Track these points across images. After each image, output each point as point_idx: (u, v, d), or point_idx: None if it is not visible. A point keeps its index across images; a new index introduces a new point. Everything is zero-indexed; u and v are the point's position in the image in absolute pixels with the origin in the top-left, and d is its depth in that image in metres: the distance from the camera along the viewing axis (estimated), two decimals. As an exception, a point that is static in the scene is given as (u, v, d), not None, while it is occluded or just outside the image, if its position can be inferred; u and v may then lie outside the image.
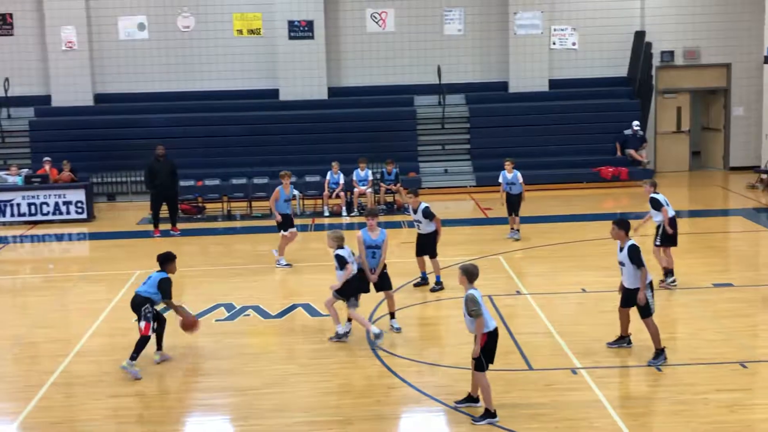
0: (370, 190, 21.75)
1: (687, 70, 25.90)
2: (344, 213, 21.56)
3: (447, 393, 11.06)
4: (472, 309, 10.04)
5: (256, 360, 12.48)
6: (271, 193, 17.27)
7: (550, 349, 12.50)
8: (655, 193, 14.76)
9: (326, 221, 21.34)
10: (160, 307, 12.36)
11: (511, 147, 24.65)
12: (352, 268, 12.68)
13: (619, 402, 10.62)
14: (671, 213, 14.73)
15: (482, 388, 10.32)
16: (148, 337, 12.07)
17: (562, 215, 20.53)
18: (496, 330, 10.33)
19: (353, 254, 12.91)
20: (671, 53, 25.60)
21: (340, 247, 12.70)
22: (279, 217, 16.92)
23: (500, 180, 18.25)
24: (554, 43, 25.90)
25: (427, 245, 15.22)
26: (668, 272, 14.95)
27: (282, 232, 17.07)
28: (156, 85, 26.01)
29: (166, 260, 12.35)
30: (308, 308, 14.53)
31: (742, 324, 13.28)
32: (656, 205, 14.74)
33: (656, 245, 14.94)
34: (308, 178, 22.71)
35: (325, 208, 21.77)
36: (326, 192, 21.78)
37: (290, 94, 25.65)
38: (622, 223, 11.74)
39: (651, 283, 11.82)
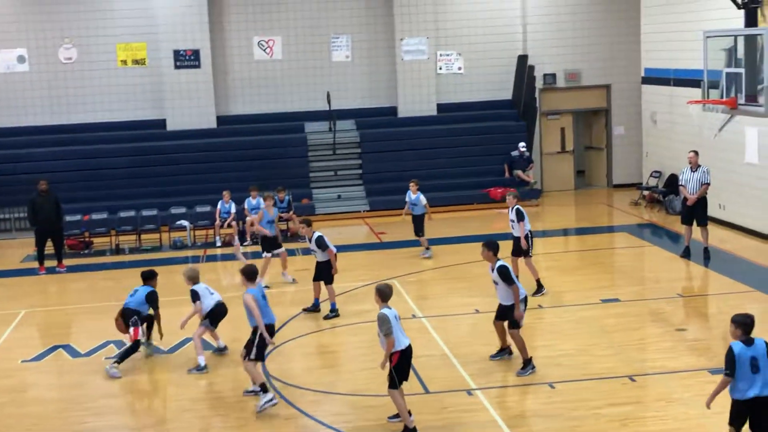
0: (262, 218, 21.54)
1: (569, 92, 26.62)
2: (236, 242, 21.28)
3: (344, 421, 11.03)
4: (383, 328, 10.22)
5: (148, 397, 12.22)
6: (160, 224, 17.15)
7: (446, 371, 12.60)
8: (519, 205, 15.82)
9: (218, 251, 21.07)
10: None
11: (402, 171, 24.87)
12: (202, 307, 13.21)
13: (514, 421, 10.76)
14: (528, 227, 15.72)
15: (397, 405, 10.40)
16: (138, 343, 13.19)
17: (453, 237, 20.77)
18: (409, 348, 10.45)
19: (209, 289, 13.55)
20: (553, 76, 26.28)
21: (195, 283, 13.34)
22: (265, 231, 17.39)
23: (406, 199, 19.17)
24: (441, 68, 26.30)
25: (323, 271, 15.41)
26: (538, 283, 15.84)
27: (265, 253, 17.48)
28: (38, 118, 25.31)
29: (151, 276, 13.70)
30: (201, 342, 14.26)
31: (630, 338, 13.64)
32: (521, 217, 15.60)
33: (513, 256, 15.85)
34: (199, 209, 22.40)
35: (217, 238, 21.49)
36: (218, 222, 21.51)
37: (178, 124, 25.32)
38: (490, 245, 12.22)
39: (525, 298, 12.22)
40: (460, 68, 26.39)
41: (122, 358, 13.09)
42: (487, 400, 11.34)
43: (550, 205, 24.88)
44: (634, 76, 25.74)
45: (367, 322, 14.98)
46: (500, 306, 12.39)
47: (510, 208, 15.79)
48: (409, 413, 10.55)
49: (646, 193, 24.17)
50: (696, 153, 18.07)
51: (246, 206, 21.64)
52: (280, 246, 17.72)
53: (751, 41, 15.98)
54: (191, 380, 12.75)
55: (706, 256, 17.81)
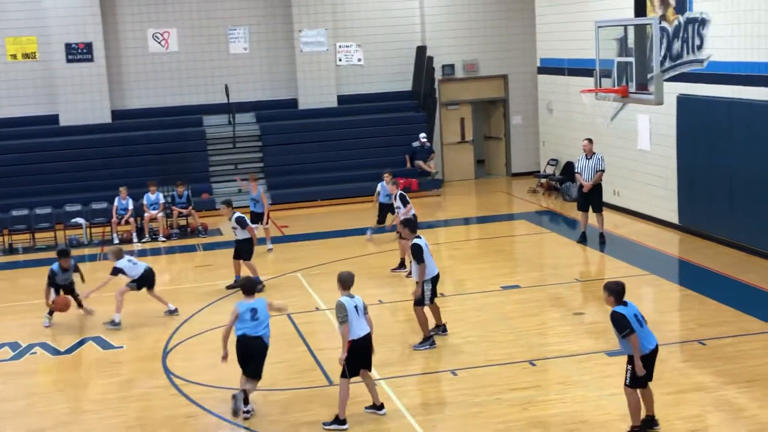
0: (161, 214, 21.21)
1: (467, 83, 26.90)
2: (135, 239, 20.91)
3: (252, 417, 10.91)
4: (338, 315, 10.33)
5: (46, 399, 11.88)
6: (55, 222, 16.78)
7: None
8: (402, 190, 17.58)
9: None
10: None
11: (304, 163, 24.82)
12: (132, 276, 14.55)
13: (417, 410, 10.83)
14: (413, 210, 16.87)
15: (340, 394, 10.37)
16: None
17: (355, 228, 20.77)
18: (363, 339, 10.42)
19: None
20: (452, 66, 26.51)
21: (119, 258, 14.48)
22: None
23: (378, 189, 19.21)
24: (340, 60, 26.25)
25: (242, 250, 16.22)
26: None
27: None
28: (-77, 114, 24.37)
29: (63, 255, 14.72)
30: (99, 341, 13.98)
31: (530, 323, 13.87)
32: (405, 201, 17.16)
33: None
34: (95, 205, 21.83)
35: (115, 235, 21.02)
36: (114, 219, 21.04)
37: (71, 119, 24.65)
38: (406, 222, 13.35)
39: (435, 277, 12.75)
40: (359, 60, 26.40)
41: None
42: (391, 390, 11.38)
43: (451, 194, 25.12)
44: (530, 66, 26.16)
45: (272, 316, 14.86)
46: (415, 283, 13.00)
47: (394, 195, 17.55)
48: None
49: (543, 180, 24.62)
50: (590, 141, 18.47)
51: (145, 201, 21.28)
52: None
53: (640, 31, 16.42)
54: (92, 380, 12.46)
55: (602, 242, 18.24)
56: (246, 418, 10.73)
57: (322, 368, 12.34)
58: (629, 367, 9.58)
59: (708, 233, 17.98)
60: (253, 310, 10.77)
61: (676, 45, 18.33)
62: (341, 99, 26.16)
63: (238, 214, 16.11)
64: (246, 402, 10.75)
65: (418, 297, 12.71)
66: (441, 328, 13.28)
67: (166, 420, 10.96)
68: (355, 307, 10.43)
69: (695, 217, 18.35)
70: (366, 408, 10.78)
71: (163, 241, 20.83)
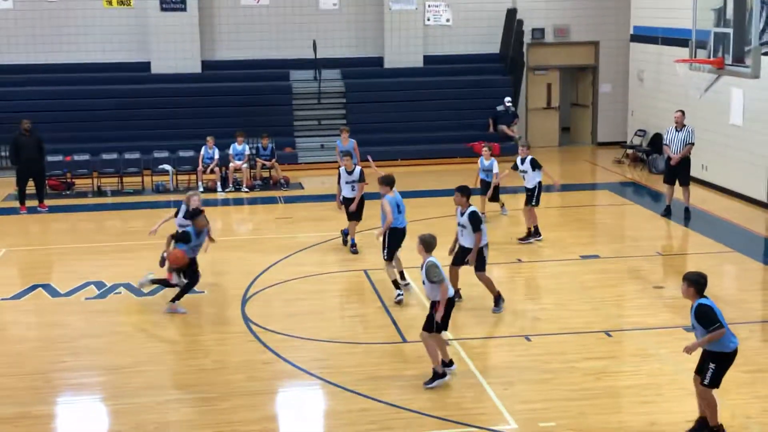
0: (246, 165, 21.51)
1: (557, 48, 26.50)
2: (219, 188, 21.26)
3: (322, 367, 11.10)
4: (435, 275, 10.29)
5: (127, 338, 12.24)
6: (143, 168, 16.99)
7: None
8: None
9: (201, 197, 20.92)
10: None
11: (387, 122, 24.83)
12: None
13: (489, 372, 10.86)
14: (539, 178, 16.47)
15: (430, 349, 10.48)
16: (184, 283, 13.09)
17: (436, 189, 20.76)
18: (452, 298, 10.54)
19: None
20: (542, 31, 26.13)
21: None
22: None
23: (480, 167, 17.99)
24: (428, 19, 26.08)
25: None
26: (536, 230, 16.40)
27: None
28: (22, 56, 24.98)
29: (195, 216, 13.22)
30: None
31: (608, 294, 13.74)
32: (537, 165, 16.31)
33: (532, 205, 16.35)
34: (182, 153, 22.26)
35: (200, 183, 21.40)
36: (200, 167, 21.41)
37: (163, 68, 25.07)
38: (464, 190, 12.64)
39: (486, 244, 12.65)
40: (448, 20, 26.19)
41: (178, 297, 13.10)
42: (464, 351, 11.42)
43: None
44: (622, 34, 25.63)
45: (345, 271, 15.06)
46: (462, 250, 12.77)
47: (523, 159, 16.56)
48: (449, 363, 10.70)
49: (629, 151, 24.21)
50: (682, 112, 18.09)
51: (231, 152, 21.59)
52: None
53: (740, 1, 15.89)
54: (171, 322, 12.78)
55: (687, 216, 17.91)
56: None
57: (396, 325, 12.44)
58: (712, 366, 8.93)
59: (797, 213, 17.51)
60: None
61: (777, 18, 17.73)
62: (427, 59, 26.03)
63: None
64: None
65: (478, 262, 12.64)
66: (457, 294, 12.68)
67: (243, 365, 11.20)
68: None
69: (785, 196, 17.87)
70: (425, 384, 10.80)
71: (246, 192, 21.13)
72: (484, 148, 17.99)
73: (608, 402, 10.11)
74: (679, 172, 17.92)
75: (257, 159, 21.84)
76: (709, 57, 15.61)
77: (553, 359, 11.21)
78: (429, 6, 26.02)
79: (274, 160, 21.86)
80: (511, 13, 25.79)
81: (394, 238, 13.35)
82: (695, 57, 16.04)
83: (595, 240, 17.10)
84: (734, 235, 17.02)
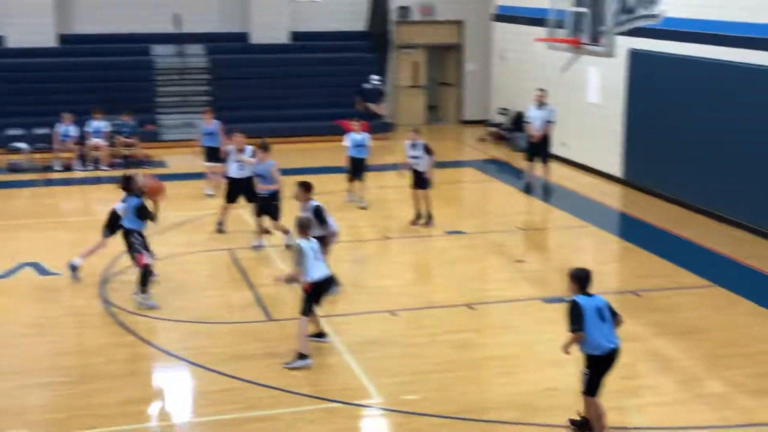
0: (105, 142, 20.86)
1: (423, 26, 26.69)
2: (77, 167, 20.56)
3: (184, 348, 10.91)
4: (295, 258, 10.27)
5: None
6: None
7: (290, 299, 12.61)
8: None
9: (56, 176, 20.25)
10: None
11: (253, 99, 24.50)
12: None
13: (354, 347, 10.88)
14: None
15: (298, 331, 10.41)
16: (148, 267, 12.07)
17: (304, 168, 20.61)
18: (325, 280, 10.42)
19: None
20: (408, 9, 26.27)
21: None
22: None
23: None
24: (295, -5, 25.88)
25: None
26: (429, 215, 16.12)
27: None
28: None
29: (128, 182, 12.04)
30: (38, 267, 13.80)
31: (471, 269, 13.99)
32: (430, 151, 16.02)
33: (426, 189, 16.03)
34: (37, 131, 21.40)
35: (56, 161, 20.63)
36: (56, 144, 20.62)
37: (16, 42, 24.00)
38: (304, 185, 12.04)
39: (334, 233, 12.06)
40: (315, -4, 26.02)
41: (145, 285, 12.13)
42: (330, 327, 11.41)
43: (401, 139, 24.98)
44: (486, 13, 26.02)
45: (214, 250, 14.83)
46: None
47: (412, 143, 15.99)
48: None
49: (493, 129, 24.66)
50: (543, 91, 18.53)
51: (89, 129, 20.91)
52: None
53: (596, -17, 16.44)
54: (28, 306, 12.31)
55: (546, 192, 18.40)
56: None
57: (261, 303, 12.33)
58: (584, 370, 8.45)
59: (650, 188, 18.20)
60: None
61: (631, -1, 18.36)
62: (294, 36, 25.82)
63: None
64: None
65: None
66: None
67: (102, 348, 10.90)
68: (312, 249, 10.37)
69: (639, 171, 18.56)
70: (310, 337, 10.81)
71: (105, 170, 20.50)
72: (355, 123, 17.76)
73: (470, 374, 10.30)
74: (541, 149, 18.37)
75: (117, 136, 21.21)
76: (568, 37, 16.01)
77: (418, 333, 11.34)
78: (295, -18, 25.77)
79: (135, 138, 21.29)
80: (378, -10, 25.82)
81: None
82: (554, 37, 16.42)
83: (460, 216, 17.36)
84: (591, 209, 17.58)
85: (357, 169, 17.44)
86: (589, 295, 8.43)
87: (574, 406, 8.85)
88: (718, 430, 8.98)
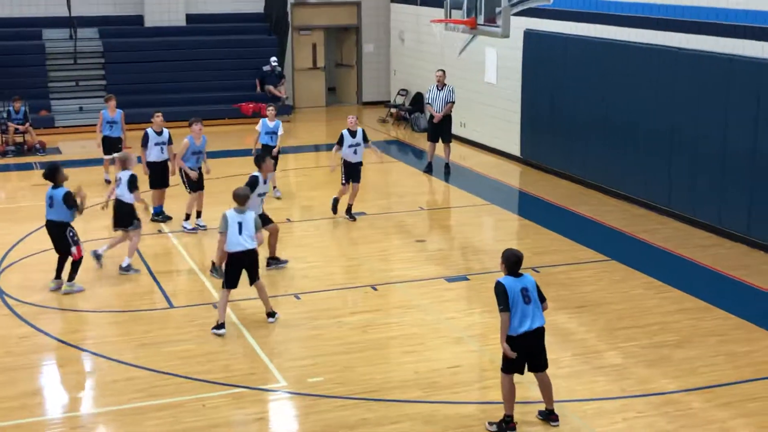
0: (-4, 129, 20.23)
1: (320, 8, 26.57)
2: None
3: (84, 338, 10.72)
4: (220, 226, 10.66)
5: None
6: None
7: (192, 285, 12.50)
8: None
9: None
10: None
11: (149, 83, 24.06)
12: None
13: (258, 332, 10.85)
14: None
15: (220, 301, 10.75)
16: (81, 259, 11.99)
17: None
18: (243, 253, 10.61)
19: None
20: (305, -9, 26.16)
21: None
22: (193, 174, 14.64)
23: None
24: (190, -23, 25.43)
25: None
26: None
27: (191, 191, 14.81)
28: None
29: (54, 172, 11.85)
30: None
31: (374, 249, 14.06)
32: (367, 138, 15.61)
33: (357, 182, 15.44)
34: (-77, 119, 20.62)
35: (-56, 150, 19.93)
36: (-55, 133, 19.93)
37: None
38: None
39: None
40: (210, -22, 25.63)
41: (75, 273, 12.03)
42: (234, 313, 11.34)
43: (301, 121, 24.96)
44: (383, -6, 26.07)
45: (109, 238, 14.52)
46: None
47: (353, 132, 15.27)
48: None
49: (393, 110, 24.77)
50: (443, 72, 18.68)
51: (-24, 116, 20.24)
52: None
53: (491, -37, 16.56)
54: None
55: (447, 172, 18.60)
56: None
57: (163, 291, 12.18)
58: (507, 350, 8.39)
59: (547, 166, 18.58)
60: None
61: (526, -20, 18.64)
62: (190, 18, 25.39)
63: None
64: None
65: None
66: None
67: (-2, 341, 10.62)
68: (239, 223, 10.56)
69: (536, 150, 18.92)
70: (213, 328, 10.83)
71: (-2, 159, 19.91)
72: (269, 109, 16.76)
73: (374, 354, 10.37)
74: (442, 129, 18.55)
75: (9, 123, 20.57)
76: (464, 17, 16.15)
77: (321, 315, 11.37)
78: (189, -37, 25.33)
79: (28, 124, 20.68)
80: (274, -29, 25.59)
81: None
82: (450, 17, 16.55)
83: (362, 197, 17.29)
84: (491, 188, 17.85)
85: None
86: (518, 275, 8.49)
87: (477, 384, 9.01)
88: (617, 400, 9.26)
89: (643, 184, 15.84)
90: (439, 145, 18.65)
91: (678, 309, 11.52)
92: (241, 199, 10.81)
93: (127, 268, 12.83)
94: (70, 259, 12.01)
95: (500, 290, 8.39)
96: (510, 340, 8.37)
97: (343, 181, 15.32)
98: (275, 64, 24.81)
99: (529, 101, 18.85)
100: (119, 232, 12.95)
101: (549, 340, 10.45)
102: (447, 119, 18.54)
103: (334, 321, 11.18)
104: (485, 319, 11.15)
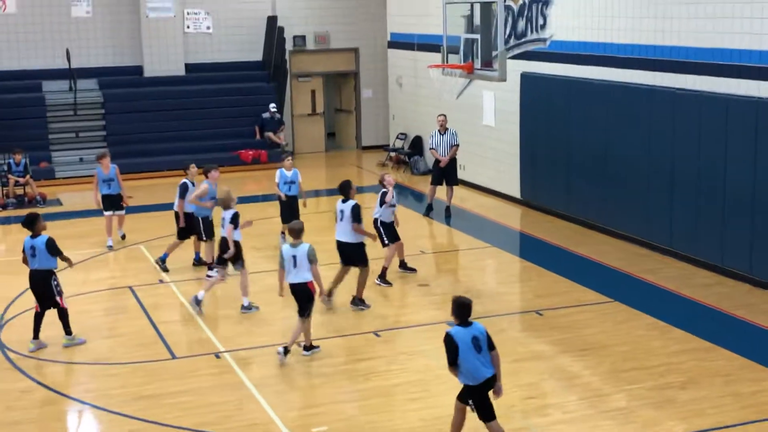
0: (-3, 182, 20.28)
1: (318, 55, 26.78)
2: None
3: (85, 391, 10.66)
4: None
5: None
6: None
7: (194, 335, 12.44)
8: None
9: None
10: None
11: (149, 132, 24.20)
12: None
13: (261, 381, 10.79)
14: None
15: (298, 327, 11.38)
16: (67, 309, 11.92)
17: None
18: (292, 285, 11.37)
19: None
20: (303, 38, 26.32)
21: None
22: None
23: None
24: (188, 27, 25.63)
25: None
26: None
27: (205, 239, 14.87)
28: None
29: (34, 221, 11.86)
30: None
31: (377, 294, 13.96)
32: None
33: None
34: (-76, 173, 20.68)
35: (-55, 203, 19.94)
36: (-54, 186, 19.96)
37: None
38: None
39: None
40: (208, 27, 25.86)
41: (69, 326, 11.94)
42: (235, 362, 11.29)
43: (301, 166, 24.63)
44: (380, 40, 26.28)
45: (110, 289, 14.54)
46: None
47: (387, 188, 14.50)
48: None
49: (392, 154, 24.85)
50: (445, 116, 18.77)
51: (-22, 169, 20.31)
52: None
53: (486, 9, 16.67)
54: None
55: (448, 215, 18.60)
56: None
57: (165, 341, 12.11)
58: (470, 402, 8.60)
59: (547, 207, 18.58)
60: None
61: (521, 24, 18.81)
62: (189, 67, 25.59)
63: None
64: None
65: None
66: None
67: (0, 395, 10.52)
68: (293, 256, 11.18)
69: (535, 191, 18.94)
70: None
71: (-1, 211, 19.93)
72: (287, 159, 16.47)
73: (379, 402, 10.29)
74: (447, 172, 18.59)
75: (9, 176, 20.62)
76: (460, 62, 16.24)
77: (324, 364, 11.29)
78: (188, 13, 25.58)
79: (28, 176, 20.73)
80: (272, 20, 25.82)
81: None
82: (447, 62, 16.65)
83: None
84: (492, 230, 17.84)
85: (290, 209, 16.12)
86: (468, 324, 8.49)
87: (483, 429, 8.92)
88: (622, 443, 9.18)
89: (643, 224, 15.82)
90: (440, 188, 18.66)
91: (682, 350, 11.45)
92: (295, 233, 11.35)
93: (249, 307, 13.08)
94: (54, 314, 11.86)
95: (448, 343, 8.42)
96: (472, 389, 8.49)
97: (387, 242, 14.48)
98: (274, 110, 24.95)
99: (528, 143, 18.91)
100: (213, 274, 13.45)
101: (554, 384, 10.40)
102: (452, 162, 18.60)
103: (337, 369, 11.10)
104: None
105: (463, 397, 8.73)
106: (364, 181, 23.61)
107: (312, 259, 11.30)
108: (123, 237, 17.04)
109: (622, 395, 10.23)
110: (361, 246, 13.27)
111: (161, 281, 14.77)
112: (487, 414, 8.58)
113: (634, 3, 15.84)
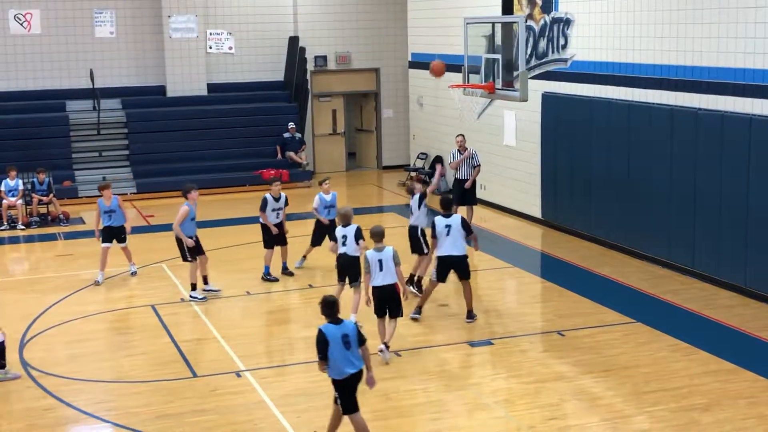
0: (20, 201, 20.45)
1: (340, 75, 26.92)
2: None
3: (108, 409, 10.68)
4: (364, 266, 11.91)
5: None
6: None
7: (215, 353, 12.47)
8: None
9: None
10: None
11: (171, 152, 24.37)
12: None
13: (282, 400, 10.79)
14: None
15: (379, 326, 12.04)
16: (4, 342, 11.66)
17: (223, 219, 20.52)
18: (377, 288, 11.80)
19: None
20: (324, 58, 26.48)
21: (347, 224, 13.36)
22: (190, 242, 14.62)
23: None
24: (210, 47, 25.85)
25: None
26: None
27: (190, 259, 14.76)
28: None
29: None
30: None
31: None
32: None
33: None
34: (-50, 191, 20.89)
35: (-32, 221, 20.12)
36: (-32, 204, 20.14)
37: (-75, 100, 23.50)
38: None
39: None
40: (231, 48, 26.06)
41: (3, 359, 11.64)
42: (255, 381, 11.30)
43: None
44: (401, 60, 26.38)
45: (131, 307, 14.60)
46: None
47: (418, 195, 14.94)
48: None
49: (413, 174, 24.87)
50: (463, 137, 18.78)
51: (2, 188, 20.51)
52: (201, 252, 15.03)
53: (508, 29, 16.75)
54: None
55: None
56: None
57: (186, 360, 12.15)
58: (336, 395, 9.17)
59: (568, 227, 18.54)
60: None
61: (542, 44, 18.84)
62: (211, 87, 25.78)
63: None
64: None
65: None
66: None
67: (22, 413, 10.60)
68: (379, 260, 11.60)
69: (557, 211, 18.90)
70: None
71: (23, 230, 20.09)
72: (325, 183, 16.17)
73: (399, 422, 10.27)
74: (468, 193, 18.59)
75: (33, 194, 20.81)
76: (481, 82, 16.28)
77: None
78: (210, 34, 25.79)
79: (51, 195, 20.91)
80: (294, 40, 25.99)
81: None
82: (468, 82, 16.69)
83: (383, 262, 17.35)
84: (513, 251, 17.80)
85: (329, 231, 15.69)
86: (338, 322, 9.03)
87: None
88: (645, 465, 9.10)
89: (665, 244, 15.75)
90: (462, 208, 18.63)
91: (705, 371, 11.37)
92: (378, 236, 11.72)
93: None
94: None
95: (319, 339, 8.95)
96: (337, 383, 9.08)
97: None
98: (293, 128, 25.05)
99: (549, 163, 18.89)
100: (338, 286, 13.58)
101: (576, 405, 10.35)
102: (473, 183, 18.59)
103: (358, 388, 11.06)
104: (510, 384, 11.05)
105: (346, 407, 9.17)
106: (385, 200, 23.67)
107: (397, 261, 11.76)
108: (134, 273, 16.33)
109: (644, 417, 10.16)
110: (465, 258, 13.43)
111: (182, 300, 14.83)
112: (349, 407, 9.14)
113: (656, 23, 15.84)
